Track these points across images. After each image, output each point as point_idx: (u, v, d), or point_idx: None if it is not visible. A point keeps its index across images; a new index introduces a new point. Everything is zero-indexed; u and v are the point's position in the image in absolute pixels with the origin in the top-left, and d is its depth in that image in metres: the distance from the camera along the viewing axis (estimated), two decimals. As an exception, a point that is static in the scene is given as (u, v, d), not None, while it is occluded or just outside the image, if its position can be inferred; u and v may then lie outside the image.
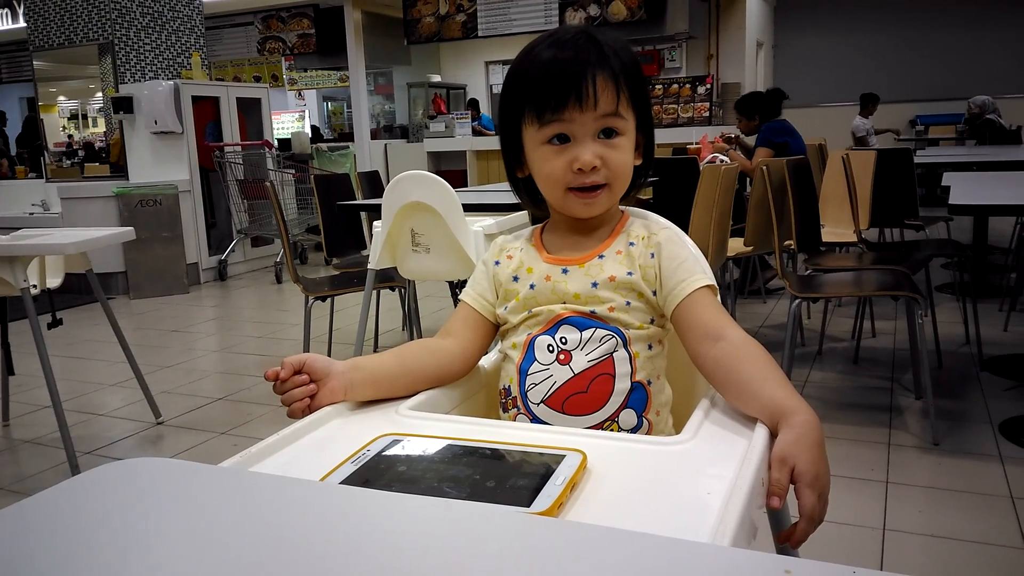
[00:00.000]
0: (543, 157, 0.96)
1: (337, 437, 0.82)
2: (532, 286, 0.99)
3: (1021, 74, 10.66)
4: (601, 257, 0.97)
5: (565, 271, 0.98)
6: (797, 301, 2.69)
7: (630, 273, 0.95)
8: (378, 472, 0.71)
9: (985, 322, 3.62)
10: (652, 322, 0.96)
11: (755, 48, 10.47)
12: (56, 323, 3.01)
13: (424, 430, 0.82)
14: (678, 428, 0.98)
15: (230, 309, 5.40)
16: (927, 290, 3.56)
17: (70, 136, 7.55)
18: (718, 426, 0.82)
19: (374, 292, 3.64)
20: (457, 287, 3.87)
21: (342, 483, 0.68)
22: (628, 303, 0.95)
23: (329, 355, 3.73)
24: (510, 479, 0.68)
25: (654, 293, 0.96)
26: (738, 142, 5.09)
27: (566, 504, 0.64)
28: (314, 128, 11.76)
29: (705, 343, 0.90)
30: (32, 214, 6.75)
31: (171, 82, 6.01)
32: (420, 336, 3.48)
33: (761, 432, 0.78)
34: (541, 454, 0.73)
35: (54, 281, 2.99)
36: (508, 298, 1.01)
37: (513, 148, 1.00)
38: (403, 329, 4.24)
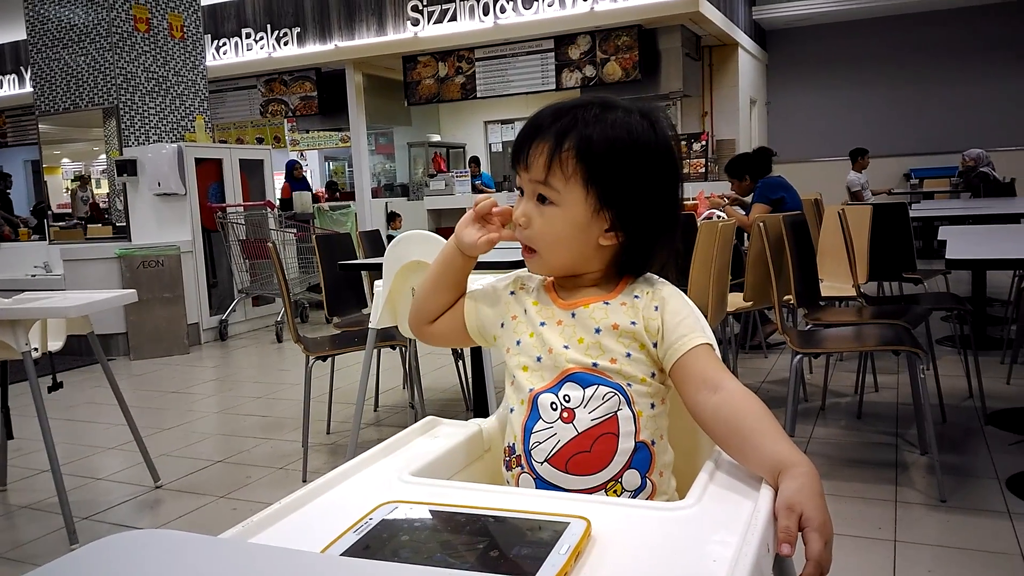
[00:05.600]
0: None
1: (339, 505, 0.82)
2: (543, 323, 0.99)
3: (1013, 127, 10.83)
4: (607, 304, 0.98)
5: (573, 315, 0.98)
6: (799, 356, 2.69)
7: (633, 323, 0.96)
8: (381, 541, 0.70)
9: (987, 375, 3.61)
10: (653, 376, 0.96)
11: (748, 105, 10.66)
12: (57, 386, 3.01)
13: (427, 497, 0.81)
14: (680, 490, 0.98)
15: (230, 369, 5.38)
16: (928, 344, 3.56)
17: (87, 200, 7.58)
18: (722, 490, 0.82)
19: (375, 351, 3.64)
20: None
21: (344, 554, 0.68)
22: (629, 354, 0.95)
23: (329, 415, 3.71)
24: (514, 548, 0.68)
25: (655, 345, 0.96)
26: (734, 201, 5.15)
27: (571, 573, 0.64)
28: (331, 185, 11.63)
29: (703, 393, 0.91)
30: (35, 276, 6.79)
31: (175, 145, 6.10)
32: (421, 396, 3.47)
33: (766, 495, 0.78)
34: (545, 521, 0.72)
35: (55, 344, 2.99)
36: (519, 332, 1.01)
37: None
38: (404, 387, 4.22)
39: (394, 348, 3.68)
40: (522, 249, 1.01)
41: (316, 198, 9.68)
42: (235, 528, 0.74)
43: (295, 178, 9.55)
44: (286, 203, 8.53)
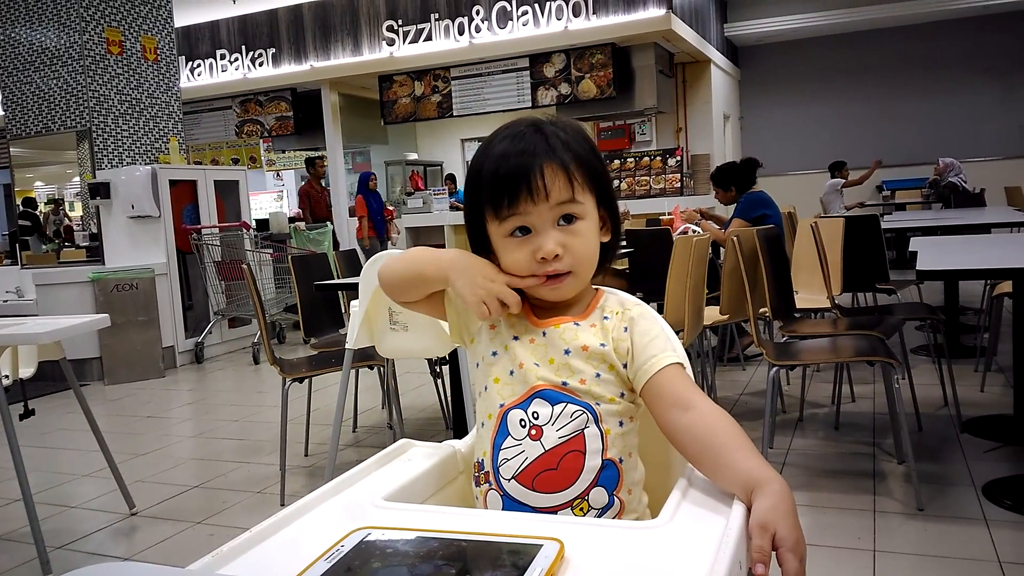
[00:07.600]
0: (507, 249, 0.98)
1: (311, 533, 0.81)
2: (516, 338, 0.99)
3: (981, 138, 11.04)
4: (577, 324, 0.99)
5: (544, 334, 0.99)
6: (775, 368, 2.70)
7: (603, 344, 0.96)
8: (352, 570, 0.69)
9: (961, 383, 3.65)
10: (622, 396, 0.97)
11: (722, 120, 10.77)
12: (28, 414, 2.96)
13: (399, 522, 0.81)
14: (653, 505, 0.98)
15: (207, 392, 5.33)
16: (902, 354, 3.59)
17: (59, 223, 7.49)
18: (695, 507, 0.82)
19: (353, 371, 3.61)
20: (436, 364, 3.85)
21: (315, 582, 0.67)
22: (598, 375, 0.96)
23: (307, 437, 3.67)
24: (487, 572, 0.68)
25: (624, 366, 0.97)
26: (708, 215, 5.19)
27: (543, 597, 0.63)
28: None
29: (675, 412, 0.91)
30: (6, 302, 6.68)
31: (148, 167, 6.05)
32: (400, 416, 3.45)
33: (738, 513, 0.78)
34: (518, 544, 0.72)
35: (27, 371, 2.95)
36: (495, 344, 1.01)
37: (480, 239, 1.02)
38: (383, 407, 4.19)
39: (372, 368, 3.66)
40: (545, 280, 0.97)
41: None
42: (205, 559, 0.73)
43: (370, 189, 8.70)
44: (262, 223, 8.40)
